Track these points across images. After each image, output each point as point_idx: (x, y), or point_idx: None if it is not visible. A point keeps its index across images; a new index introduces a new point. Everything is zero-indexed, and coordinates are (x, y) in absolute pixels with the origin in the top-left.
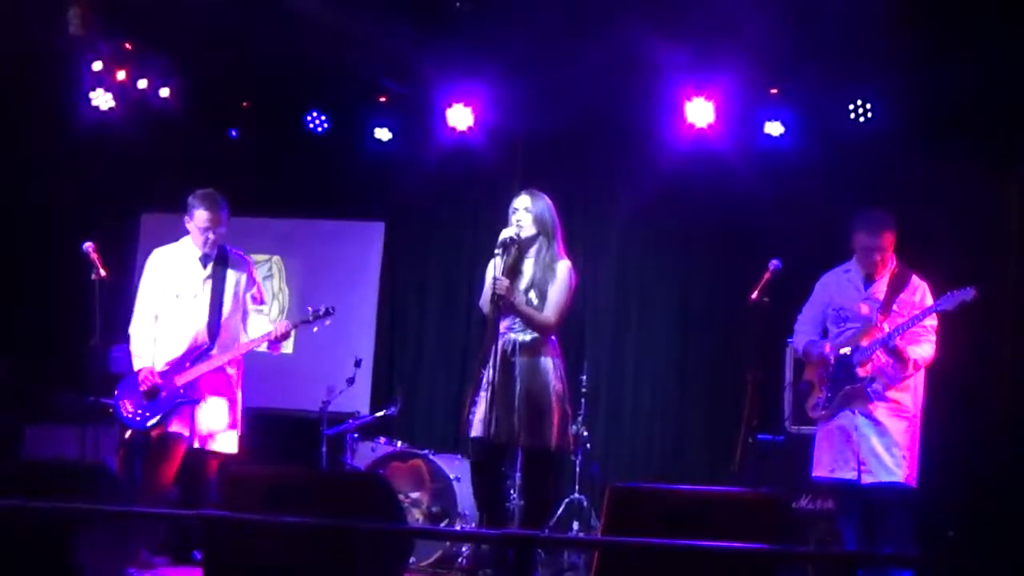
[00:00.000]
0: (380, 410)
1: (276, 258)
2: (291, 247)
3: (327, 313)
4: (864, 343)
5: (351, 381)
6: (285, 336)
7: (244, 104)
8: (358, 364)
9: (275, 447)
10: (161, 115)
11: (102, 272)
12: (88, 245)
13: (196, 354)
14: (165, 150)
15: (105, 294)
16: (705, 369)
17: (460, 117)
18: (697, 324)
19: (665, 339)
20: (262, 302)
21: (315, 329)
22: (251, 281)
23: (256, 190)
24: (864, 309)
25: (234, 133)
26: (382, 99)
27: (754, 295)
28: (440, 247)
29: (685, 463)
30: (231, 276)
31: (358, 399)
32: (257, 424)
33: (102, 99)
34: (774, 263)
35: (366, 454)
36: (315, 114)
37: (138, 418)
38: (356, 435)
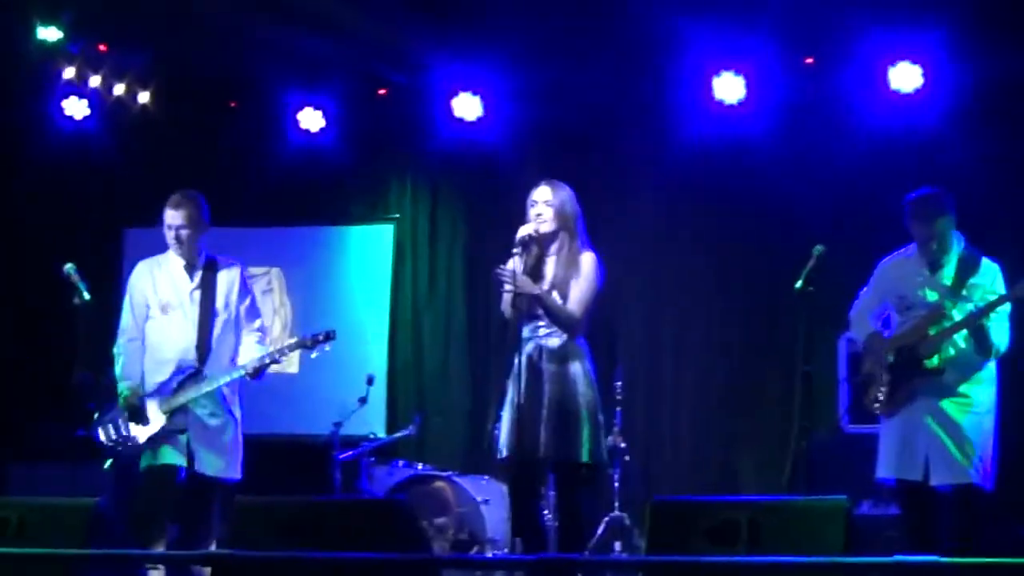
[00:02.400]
0: (397, 431)
1: (275, 270)
2: (291, 257)
3: (327, 337)
4: (932, 331)
5: (363, 400)
6: (260, 372)
7: (231, 104)
8: (371, 382)
9: (284, 476)
10: (141, 122)
11: (85, 295)
12: (69, 267)
13: (184, 376)
14: (147, 160)
15: (89, 319)
16: (750, 368)
17: (468, 107)
18: (738, 319)
19: (704, 337)
20: (256, 315)
21: (314, 355)
22: (245, 290)
23: (249, 197)
24: (931, 296)
25: (231, 143)
26: (381, 92)
27: (799, 285)
28: (456, 248)
29: (733, 471)
30: (221, 286)
31: (372, 419)
32: (262, 452)
33: (76, 108)
34: (819, 249)
35: (384, 479)
36: (310, 111)
37: (119, 447)
38: (372, 459)
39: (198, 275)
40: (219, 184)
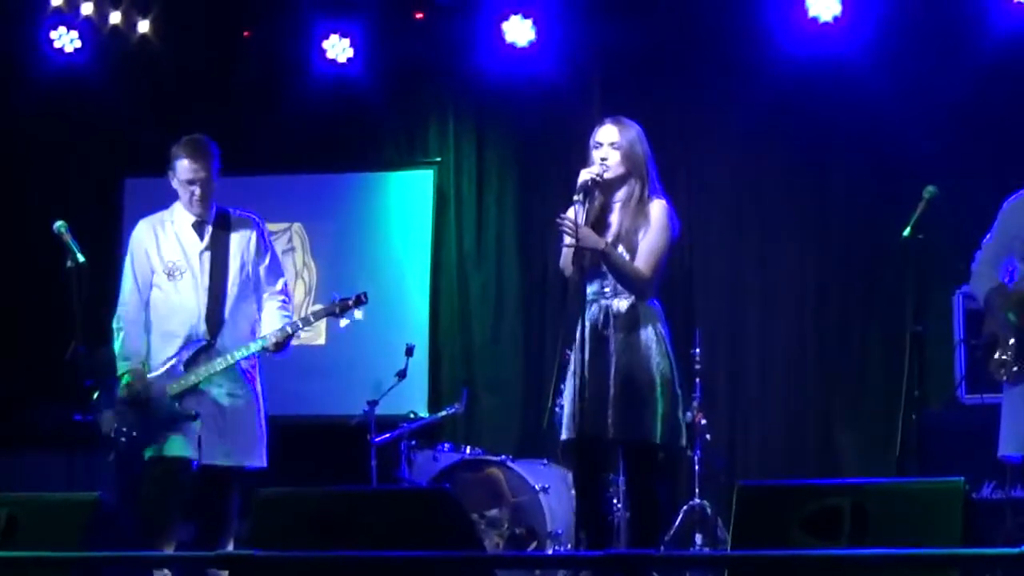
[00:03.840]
0: (442, 409)
1: (297, 226)
2: (316, 210)
3: (358, 302)
4: None
5: (402, 374)
6: (283, 344)
7: (245, 34)
8: (410, 353)
9: (312, 463)
10: (141, 55)
11: (80, 257)
12: (60, 224)
13: (194, 351)
14: (148, 99)
15: (86, 283)
16: (850, 328)
17: (519, 31)
18: (837, 272)
19: (797, 294)
20: (279, 275)
21: (343, 323)
22: (264, 247)
23: (266, 141)
24: None
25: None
26: (419, 15)
27: (907, 232)
28: (506, 197)
29: (831, 450)
30: (236, 244)
31: (413, 396)
32: (285, 436)
33: (66, 39)
34: (930, 190)
35: (427, 465)
36: (336, 40)
37: (123, 438)
38: (413, 442)
39: (208, 233)
40: (231, 126)
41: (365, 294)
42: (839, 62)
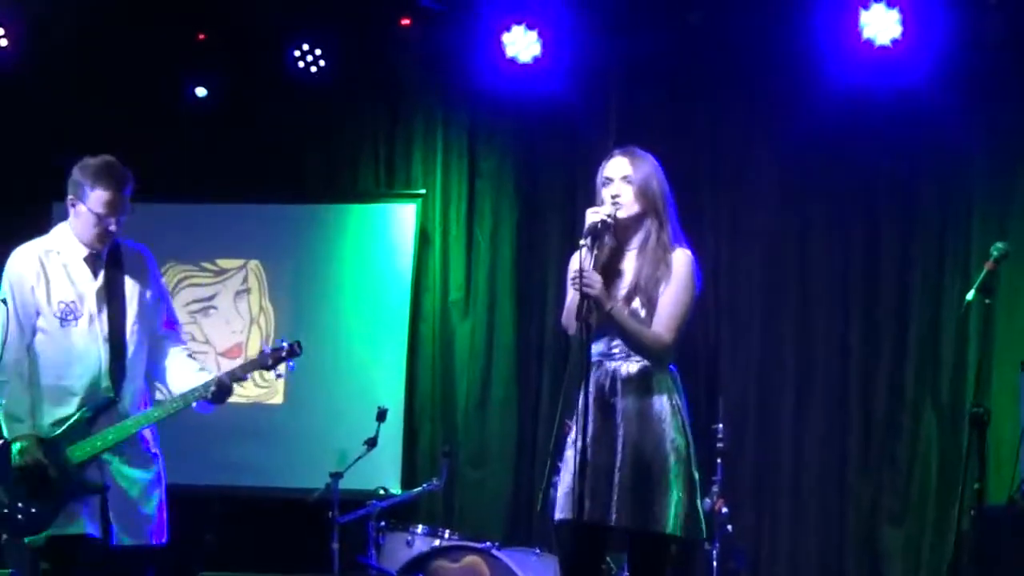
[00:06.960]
0: (417, 485)
1: (253, 263)
2: (277, 246)
3: (291, 352)
4: None
5: (372, 442)
6: (225, 393)
7: (200, 36)
8: (382, 416)
9: (263, 545)
10: (75, 55)
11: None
12: None
13: (96, 410)
14: (83, 107)
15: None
16: (900, 407)
17: (523, 44)
18: (887, 341)
19: (839, 364)
20: (178, 320)
21: (277, 376)
22: (160, 287)
23: (220, 163)
24: None
25: (200, 90)
26: (405, 21)
27: (971, 295)
28: (501, 236)
29: (873, 548)
30: (131, 284)
31: (384, 469)
32: (233, 512)
33: None
34: (999, 247)
35: (398, 550)
36: (305, 48)
37: (18, 515)
38: (383, 523)
39: (104, 271)
40: (181, 143)
41: (299, 343)
42: (898, 93)
